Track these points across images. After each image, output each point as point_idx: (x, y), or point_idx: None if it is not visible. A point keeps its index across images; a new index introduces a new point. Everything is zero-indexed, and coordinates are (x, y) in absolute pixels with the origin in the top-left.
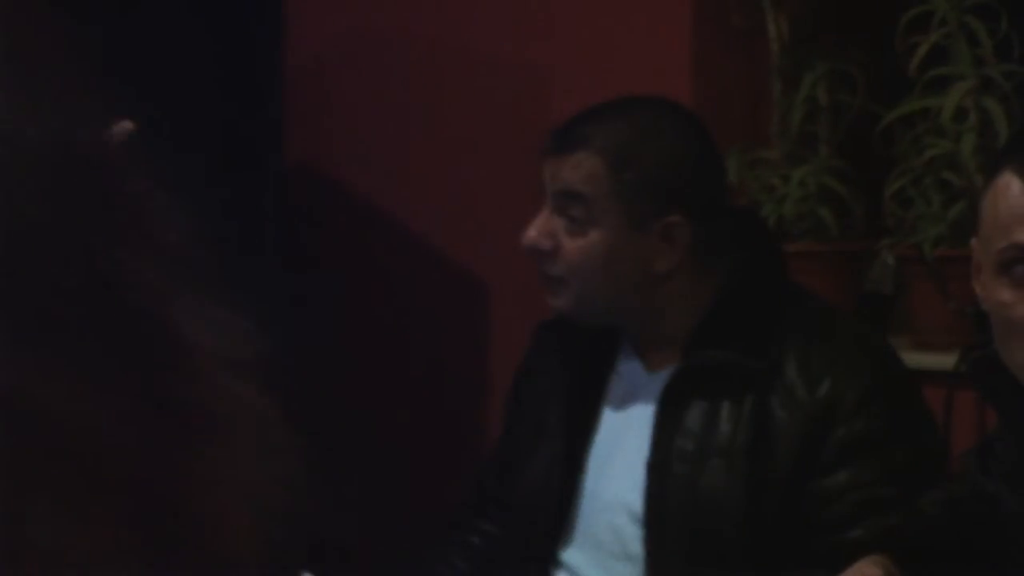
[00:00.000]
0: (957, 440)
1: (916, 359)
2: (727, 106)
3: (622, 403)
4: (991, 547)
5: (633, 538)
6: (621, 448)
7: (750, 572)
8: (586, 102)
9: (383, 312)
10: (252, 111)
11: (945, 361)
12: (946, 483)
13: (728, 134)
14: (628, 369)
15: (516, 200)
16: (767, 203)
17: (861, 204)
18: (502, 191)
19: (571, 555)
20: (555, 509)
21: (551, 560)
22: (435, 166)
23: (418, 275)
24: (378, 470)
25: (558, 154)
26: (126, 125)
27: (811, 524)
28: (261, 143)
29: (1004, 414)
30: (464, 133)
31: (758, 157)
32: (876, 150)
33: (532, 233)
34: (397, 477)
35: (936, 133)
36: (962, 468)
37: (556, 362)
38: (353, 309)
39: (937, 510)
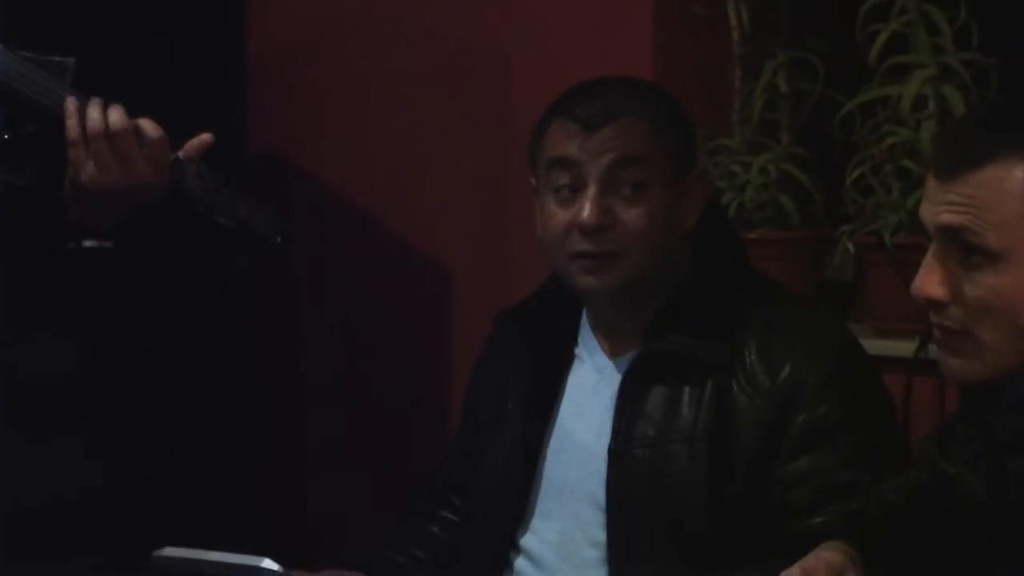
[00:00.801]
0: (916, 426)
1: (876, 346)
2: (688, 93)
3: (583, 390)
4: (951, 531)
5: (595, 524)
6: (582, 434)
7: (713, 557)
8: (549, 89)
9: (346, 298)
10: (215, 99)
11: (904, 348)
12: (906, 468)
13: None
14: (589, 356)
15: (479, 186)
16: (728, 190)
17: (822, 192)
18: (465, 177)
19: (530, 541)
20: (514, 495)
21: (511, 546)
22: (398, 153)
23: (381, 262)
24: (341, 458)
25: (601, 125)
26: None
27: (773, 510)
28: (224, 131)
29: (966, 395)
30: (427, 119)
31: (719, 144)
32: (836, 138)
33: (589, 213)
34: (360, 465)
35: (896, 121)
36: (922, 453)
37: (517, 349)
38: (316, 296)
39: (897, 495)
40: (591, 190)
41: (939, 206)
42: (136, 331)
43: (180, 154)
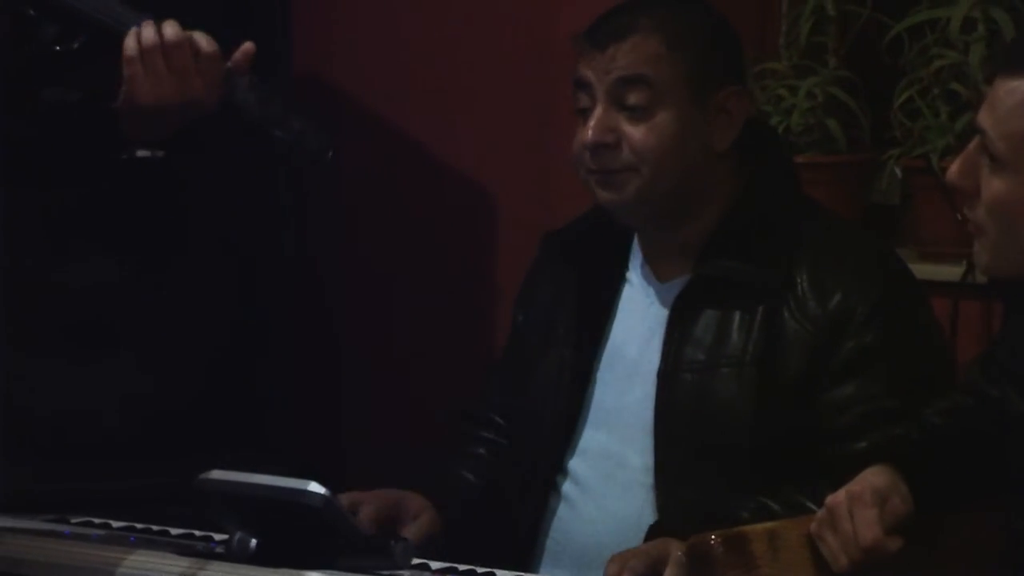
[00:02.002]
0: (962, 350)
1: (922, 270)
2: (735, 17)
3: (632, 313)
4: (995, 453)
5: (642, 447)
6: (631, 358)
7: (758, 481)
8: (593, 10)
9: (389, 221)
10: (260, 23)
11: (951, 272)
12: (950, 393)
13: None
14: (639, 278)
15: (521, 109)
16: (774, 114)
17: (868, 115)
18: (508, 99)
19: (577, 464)
20: (562, 417)
21: (558, 469)
22: (441, 76)
23: (422, 184)
24: (380, 384)
25: (608, 44)
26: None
27: (818, 435)
28: (269, 54)
29: (1012, 315)
30: (469, 41)
31: (766, 68)
32: (884, 61)
33: (591, 131)
34: (399, 390)
35: (944, 44)
36: (967, 377)
37: (565, 272)
38: (359, 219)
39: (941, 419)
40: (597, 109)
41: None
42: (181, 251)
43: (230, 65)
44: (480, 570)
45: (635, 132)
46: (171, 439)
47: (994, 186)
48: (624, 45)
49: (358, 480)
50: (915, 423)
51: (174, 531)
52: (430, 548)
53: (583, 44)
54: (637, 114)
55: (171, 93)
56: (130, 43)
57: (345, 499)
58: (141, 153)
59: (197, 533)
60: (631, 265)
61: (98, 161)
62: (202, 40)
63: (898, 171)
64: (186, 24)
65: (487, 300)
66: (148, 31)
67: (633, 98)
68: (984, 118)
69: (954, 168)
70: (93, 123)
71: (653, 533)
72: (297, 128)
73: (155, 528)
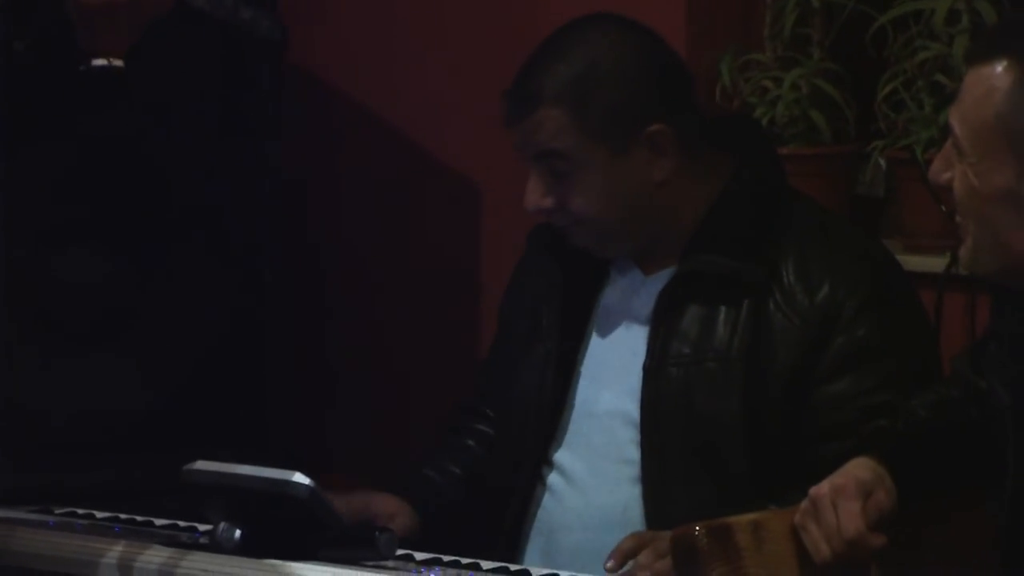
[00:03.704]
0: (946, 342)
1: (907, 261)
2: (720, 8)
3: (618, 307)
4: (981, 445)
5: (628, 441)
6: (617, 352)
7: (746, 476)
8: (580, 8)
9: (376, 214)
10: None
11: (935, 263)
12: (937, 385)
13: (720, 36)
14: (624, 273)
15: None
16: (759, 106)
17: (853, 107)
18: (495, 94)
19: (564, 456)
20: (548, 411)
21: (544, 461)
22: (427, 68)
23: (410, 178)
24: (369, 378)
25: (518, 121)
26: None
27: (811, 431)
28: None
29: (998, 312)
30: (456, 34)
31: (750, 59)
32: (868, 53)
33: (531, 198)
34: (389, 384)
35: (928, 35)
36: (955, 369)
37: (551, 266)
38: (344, 213)
39: (928, 412)
40: (531, 175)
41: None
42: (167, 236)
43: None
44: (464, 561)
45: (568, 196)
46: (160, 433)
47: (963, 180)
48: (530, 123)
49: (345, 471)
50: (901, 415)
51: (158, 522)
52: (413, 538)
53: (503, 112)
54: (563, 179)
55: None
56: None
57: None
58: (98, 62)
59: (182, 524)
60: (617, 259)
61: (57, 74)
62: None
63: (882, 163)
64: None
65: (474, 293)
66: None
67: (553, 167)
68: (953, 112)
69: (934, 166)
70: (49, 31)
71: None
72: (247, 16)
73: (139, 519)
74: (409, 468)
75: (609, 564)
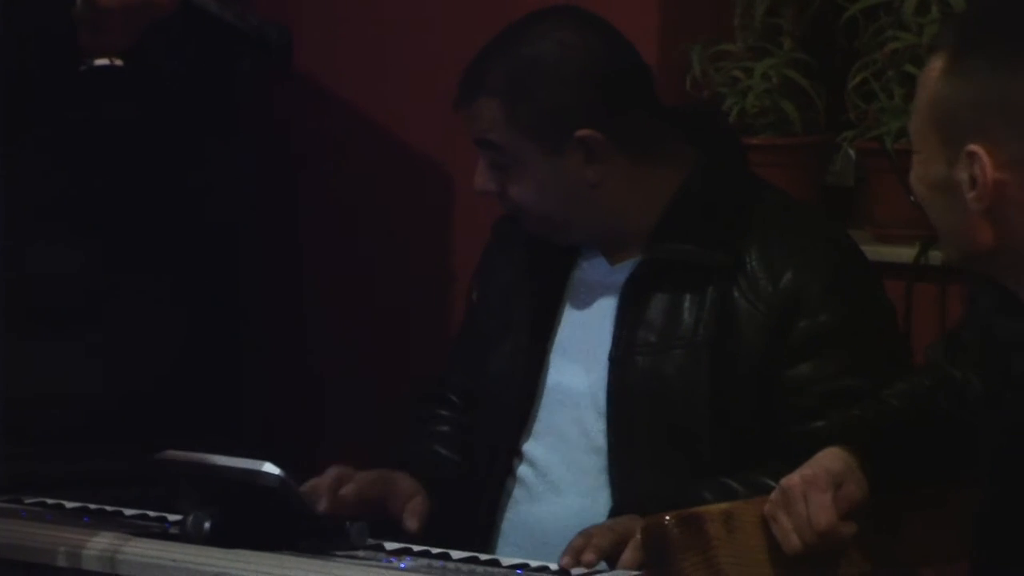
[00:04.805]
0: (917, 331)
1: (877, 252)
2: None
3: (584, 296)
4: (953, 435)
5: (597, 431)
6: (584, 341)
7: (714, 462)
8: None
9: (348, 202)
10: None
11: (906, 254)
12: (909, 375)
13: (691, 27)
14: (590, 263)
15: None
16: (730, 96)
17: (823, 97)
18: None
19: (533, 447)
20: (518, 401)
21: (514, 452)
22: (398, 52)
23: (382, 165)
24: (342, 363)
25: (462, 106)
26: None
27: (774, 416)
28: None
29: (971, 301)
30: (430, 21)
31: (721, 50)
32: (839, 43)
33: (477, 181)
34: (361, 369)
35: (899, 26)
36: (929, 358)
37: (518, 256)
38: (319, 200)
39: (900, 401)
40: (480, 160)
41: None
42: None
43: None
44: (434, 551)
45: (507, 185)
46: (135, 424)
47: (913, 171)
48: (470, 110)
49: (317, 460)
50: (872, 404)
51: (128, 512)
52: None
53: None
54: (502, 169)
55: None
56: None
57: (332, 472)
58: (100, 62)
59: (151, 514)
60: (583, 249)
61: (58, 72)
62: None
63: (852, 153)
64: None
65: (444, 281)
66: None
67: (492, 158)
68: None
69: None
70: (51, 31)
71: (617, 514)
72: (255, 22)
73: (109, 509)
74: (406, 449)
75: (564, 560)
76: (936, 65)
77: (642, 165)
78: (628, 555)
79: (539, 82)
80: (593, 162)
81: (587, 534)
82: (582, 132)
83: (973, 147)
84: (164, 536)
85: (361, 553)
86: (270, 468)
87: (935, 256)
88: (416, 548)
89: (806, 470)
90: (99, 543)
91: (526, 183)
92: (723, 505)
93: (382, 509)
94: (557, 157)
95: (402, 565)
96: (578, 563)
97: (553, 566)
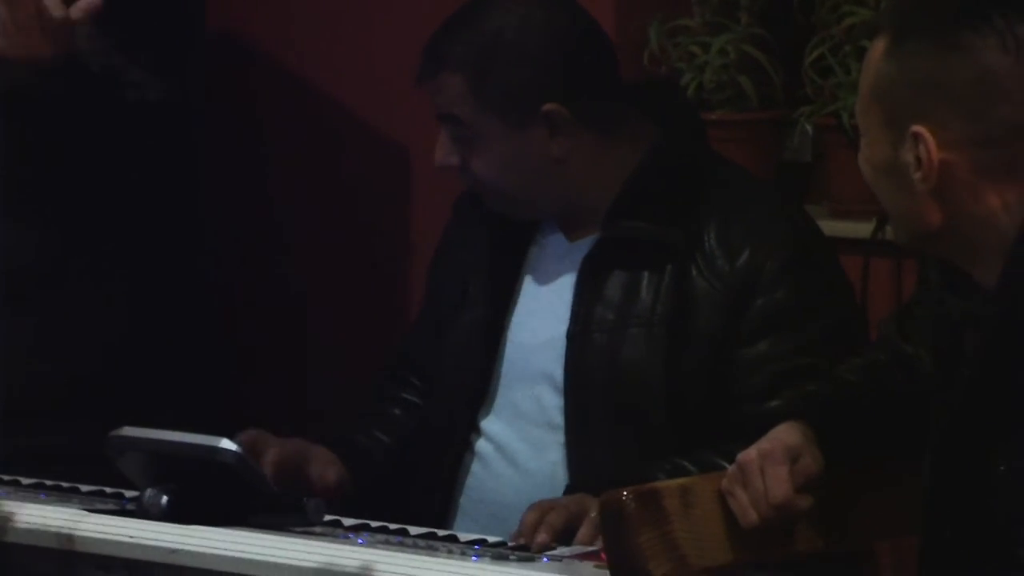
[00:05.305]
0: (873, 306)
1: (833, 227)
2: None
3: (543, 273)
4: (907, 410)
5: (554, 407)
6: (542, 318)
7: (670, 440)
8: None
9: (306, 176)
10: None
11: (862, 229)
12: (864, 350)
13: (649, 2)
14: (549, 239)
15: None
16: (687, 71)
17: (781, 73)
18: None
19: (491, 423)
20: (476, 377)
21: (472, 428)
22: (354, 30)
23: (341, 142)
24: (300, 342)
25: (425, 80)
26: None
27: (731, 394)
28: (182, 10)
29: (924, 278)
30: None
31: (678, 25)
32: (796, 18)
33: (438, 155)
34: (318, 348)
35: (855, 1)
36: (882, 334)
37: (477, 233)
38: (274, 176)
39: (855, 376)
40: (442, 131)
41: None
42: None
43: (72, 17)
44: (392, 527)
45: (469, 159)
46: (87, 400)
47: (861, 153)
48: (433, 85)
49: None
50: (828, 379)
51: (84, 488)
52: (340, 504)
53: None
54: (465, 143)
55: (10, 45)
56: None
57: (247, 438)
58: None
59: (108, 490)
60: (542, 226)
61: None
62: (51, 3)
63: (809, 128)
64: None
65: (405, 258)
66: None
67: (455, 133)
68: None
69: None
70: None
71: (572, 492)
72: (138, 77)
73: (65, 485)
74: (337, 431)
75: (519, 539)
76: (879, 47)
77: (604, 141)
78: (584, 531)
79: (504, 56)
80: (557, 136)
81: (540, 509)
82: (548, 106)
83: (917, 128)
84: (121, 512)
85: (318, 529)
86: (227, 444)
87: (891, 231)
88: (374, 524)
89: (763, 444)
90: (56, 519)
91: (489, 157)
92: (680, 480)
93: (297, 478)
94: (521, 132)
95: (360, 541)
96: (532, 540)
97: (511, 542)
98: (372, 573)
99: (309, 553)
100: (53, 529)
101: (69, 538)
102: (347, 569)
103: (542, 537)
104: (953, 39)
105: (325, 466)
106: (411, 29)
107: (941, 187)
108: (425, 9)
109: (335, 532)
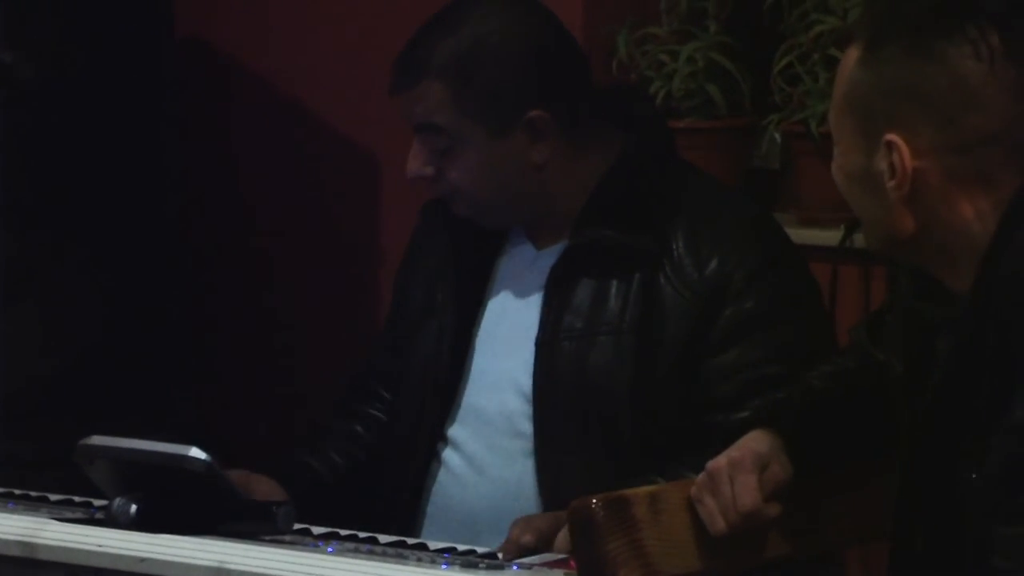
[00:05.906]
0: (842, 313)
1: (802, 234)
2: None
3: (511, 281)
4: (878, 416)
5: (522, 416)
6: (510, 326)
7: (639, 449)
8: None
9: (275, 185)
10: None
11: (831, 236)
12: (834, 357)
13: (617, 10)
14: (517, 247)
15: None
16: (656, 79)
17: (749, 80)
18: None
19: (458, 432)
20: (443, 385)
21: (439, 436)
22: (324, 36)
23: (310, 150)
24: (268, 349)
25: (403, 89)
26: None
27: (700, 403)
28: (151, 16)
29: (894, 285)
30: (357, 5)
31: (647, 33)
32: (764, 26)
33: (412, 166)
34: (287, 357)
35: (823, 10)
36: (852, 340)
37: (445, 240)
38: (243, 179)
39: (824, 383)
40: (414, 143)
41: None
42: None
43: None
44: (362, 535)
45: (447, 169)
46: (56, 407)
47: (834, 161)
48: (411, 94)
49: (241, 443)
50: (797, 386)
51: (53, 497)
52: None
53: (391, 81)
54: (443, 152)
55: None
56: None
57: None
58: None
59: (76, 499)
60: (510, 233)
61: None
62: None
63: (778, 136)
64: None
65: (373, 265)
66: None
67: (432, 142)
68: None
69: None
70: None
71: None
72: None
73: (33, 494)
74: (289, 453)
75: (503, 549)
76: (852, 55)
77: (576, 148)
78: (561, 538)
79: (485, 63)
80: (538, 143)
81: (525, 519)
82: (533, 113)
83: (890, 136)
84: (89, 521)
85: (288, 537)
86: (196, 453)
87: (860, 238)
88: (343, 532)
89: (733, 452)
90: (22, 528)
91: (468, 165)
92: (649, 488)
93: None
94: (501, 139)
95: (329, 549)
96: (517, 546)
97: (480, 549)
98: None
99: (278, 562)
100: (18, 538)
101: (35, 547)
102: None
103: (526, 538)
104: (927, 48)
105: (266, 496)
106: (381, 36)
107: (914, 195)
108: (396, 17)
109: (304, 540)
